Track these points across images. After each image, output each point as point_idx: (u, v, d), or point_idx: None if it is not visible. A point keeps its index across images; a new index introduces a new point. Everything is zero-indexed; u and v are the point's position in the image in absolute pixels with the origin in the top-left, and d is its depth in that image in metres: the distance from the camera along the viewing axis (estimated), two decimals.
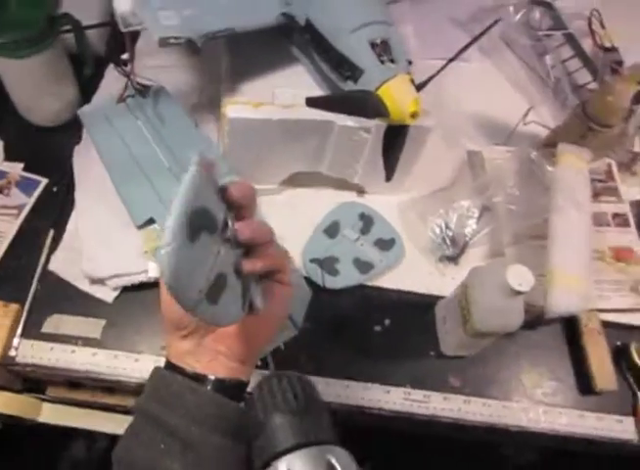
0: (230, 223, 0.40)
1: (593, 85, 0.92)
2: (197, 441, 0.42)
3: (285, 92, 0.68)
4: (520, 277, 0.58)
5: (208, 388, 0.44)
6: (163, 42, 0.55)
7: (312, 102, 0.61)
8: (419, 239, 0.77)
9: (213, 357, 0.45)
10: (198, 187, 0.36)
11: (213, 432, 0.43)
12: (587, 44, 0.96)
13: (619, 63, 0.93)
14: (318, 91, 0.68)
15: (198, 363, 0.45)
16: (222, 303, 0.38)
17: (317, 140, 0.71)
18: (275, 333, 0.48)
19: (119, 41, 0.65)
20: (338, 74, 0.62)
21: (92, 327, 0.70)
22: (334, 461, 0.36)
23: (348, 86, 0.61)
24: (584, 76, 0.93)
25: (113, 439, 0.58)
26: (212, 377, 0.44)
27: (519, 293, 0.58)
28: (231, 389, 0.45)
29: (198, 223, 0.36)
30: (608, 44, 0.95)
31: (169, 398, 0.43)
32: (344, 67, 0.60)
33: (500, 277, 0.58)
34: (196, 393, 0.43)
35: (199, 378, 0.44)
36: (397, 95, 0.57)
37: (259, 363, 0.55)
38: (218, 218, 0.39)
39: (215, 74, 0.74)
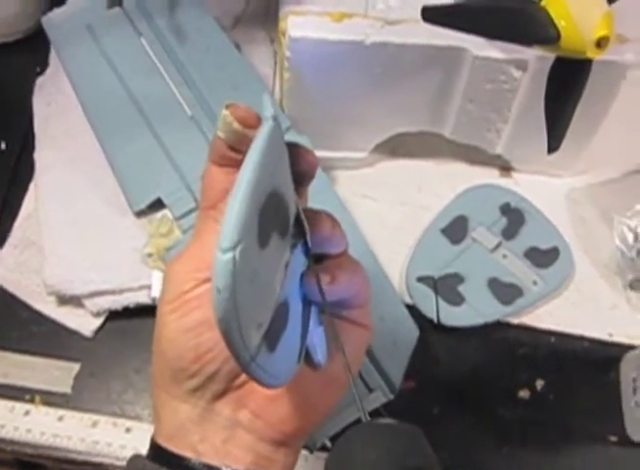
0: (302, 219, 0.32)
1: None
2: None
3: None
4: None
5: None
6: None
7: (434, 14, 0.48)
8: (599, 251, 0.62)
9: (230, 434, 0.36)
10: (272, 157, 0.27)
11: None
12: None
13: None
14: None
15: (204, 444, 0.36)
16: (280, 349, 0.30)
17: (438, 80, 0.57)
18: (337, 399, 0.38)
19: None
20: None
21: (58, 375, 0.57)
22: None
23: None
24: None
25: None
26: None
27: None
28: None
29: (270, 218, 0.27)
30: None
31: None
32: None
33: None
34: None
35: None
36: (576, 7, 0.45)
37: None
38: (290, 211, 0.30)
39: None
